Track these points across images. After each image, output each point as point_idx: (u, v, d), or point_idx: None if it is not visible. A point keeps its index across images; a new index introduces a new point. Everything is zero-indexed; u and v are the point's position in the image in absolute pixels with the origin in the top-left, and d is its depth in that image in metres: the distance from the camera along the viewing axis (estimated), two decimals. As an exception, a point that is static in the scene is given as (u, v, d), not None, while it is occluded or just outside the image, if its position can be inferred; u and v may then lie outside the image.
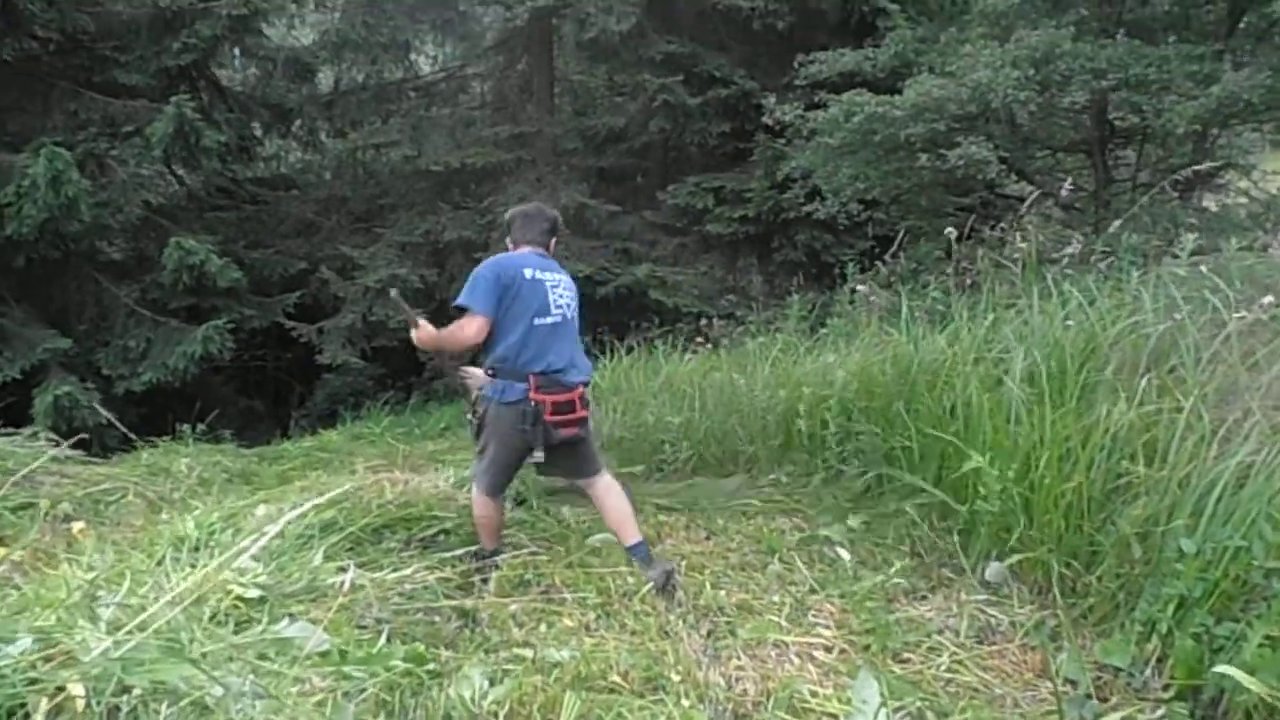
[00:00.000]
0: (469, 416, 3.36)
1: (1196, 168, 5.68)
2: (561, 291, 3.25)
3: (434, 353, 3.41)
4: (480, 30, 12.99)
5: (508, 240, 3.47)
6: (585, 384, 3.26)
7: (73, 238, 8.65)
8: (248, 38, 10.36)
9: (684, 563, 3.34)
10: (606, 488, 3.29)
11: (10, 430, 4.96)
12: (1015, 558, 2.86)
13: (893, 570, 3.14)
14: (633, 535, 3.23)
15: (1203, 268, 3.47)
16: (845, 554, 3.38)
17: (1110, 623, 2.58)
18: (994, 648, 2.62)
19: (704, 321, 8.10)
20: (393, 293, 3.34)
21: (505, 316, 3.11)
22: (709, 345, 6.94)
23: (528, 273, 3.17)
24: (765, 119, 7.77)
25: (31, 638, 1.51)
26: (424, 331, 3.17)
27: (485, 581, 3.21)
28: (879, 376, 4.11)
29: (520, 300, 3.12)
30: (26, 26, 8.70)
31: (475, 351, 3.31)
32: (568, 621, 2.85)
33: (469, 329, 3.07)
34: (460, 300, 3.12)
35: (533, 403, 3.06)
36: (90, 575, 2.14)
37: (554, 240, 3.47)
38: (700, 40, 10.40)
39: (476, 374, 3.32)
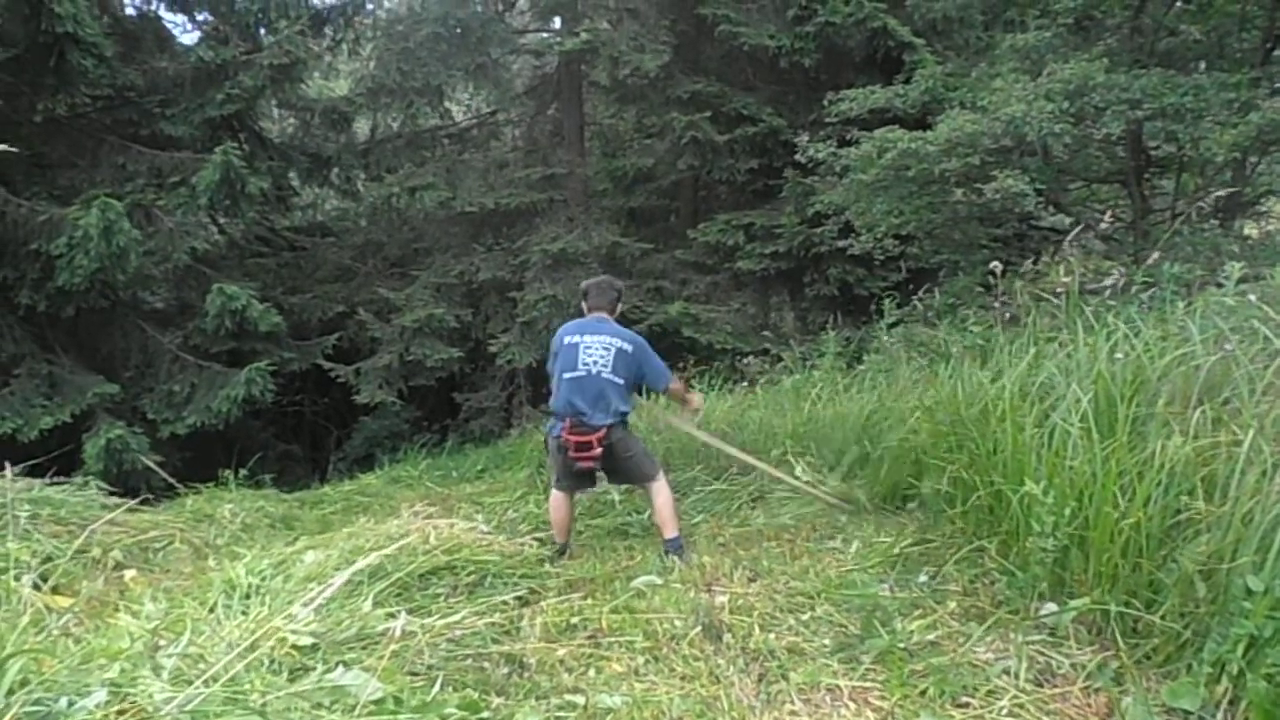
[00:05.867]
0: None
1: (1231, 189, 5.60)
2: (594, 351, 4.03)
3: None
4: (511, 77, 13.23)
5: (583, 304, 4.39)
6: (612, 425, 3.97)
7: (120, 287, 8.88)
8: (288, 86, 10.63)
9: (730, 605, 3.31)
10: (656, 491, 4.09)
11: (62, 480, 5.06)
12: (1075, 603, 2.78)
13: (946, 610, 3.08)
14: (669, 532, 3.99)
15: (1251, 296, 3.40)
16: (897, 593, 3.31)
17: (1176, 664, 2.49)
18: (1055, 691, 2.54)
19: (739, 359, 8.07)
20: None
21: (553, 372, 4.11)
22: (745, 383, 6.90)
23: (567, 339, 4.12)
24: (798, 156, 7.81)
25: (105, 691, 1.53)
26: None
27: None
28: (926, 414, 4.07)
29: (557, 360, 4.12)
30: (78, 84, 9.00)
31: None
32: (616, 667, 2.82)
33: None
34: None
35: (562, 439, 3.96)
36: (149, 625, 2.16)
37: (620, 304, 4.42)
38: (727, 80, 10.52)
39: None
